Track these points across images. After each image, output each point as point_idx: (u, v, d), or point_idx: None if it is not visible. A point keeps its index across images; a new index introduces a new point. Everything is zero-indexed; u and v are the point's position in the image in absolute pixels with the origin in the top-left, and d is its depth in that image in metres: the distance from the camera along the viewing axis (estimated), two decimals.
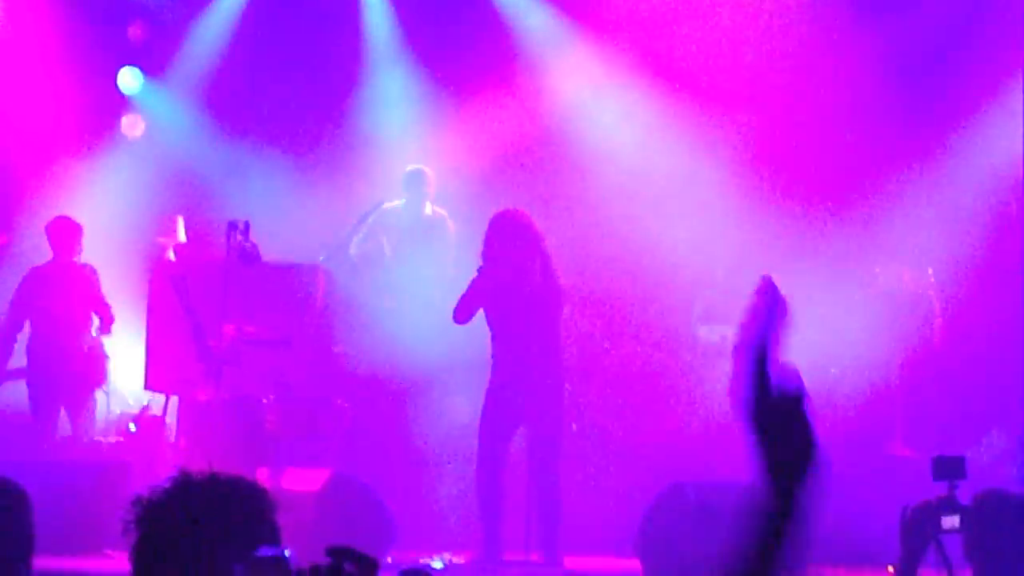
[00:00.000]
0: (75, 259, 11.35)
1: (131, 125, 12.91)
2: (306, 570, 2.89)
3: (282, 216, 11.71)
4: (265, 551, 2.79)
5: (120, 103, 12.98)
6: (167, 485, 2.93)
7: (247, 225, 9.28)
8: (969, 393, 11.66)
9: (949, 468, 6.51)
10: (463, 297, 9.79)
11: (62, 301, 11.23)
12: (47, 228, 11.39)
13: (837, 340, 11.46)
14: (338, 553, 2.90)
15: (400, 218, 12.28)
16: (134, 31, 12.94)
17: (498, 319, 9.80)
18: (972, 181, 11.98)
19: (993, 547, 5.54)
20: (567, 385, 10.16)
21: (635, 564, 9.55)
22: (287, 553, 2.74)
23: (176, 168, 12.71)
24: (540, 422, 9.67)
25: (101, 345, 11.44)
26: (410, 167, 12.34)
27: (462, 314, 9.81)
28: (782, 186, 12.24)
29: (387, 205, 12.09)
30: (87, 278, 11.34)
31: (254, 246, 9.28)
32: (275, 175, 12.47)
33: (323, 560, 2.89)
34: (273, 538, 2.93)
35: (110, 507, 9.65)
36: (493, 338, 9.89)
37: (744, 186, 12.14)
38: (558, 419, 9.83)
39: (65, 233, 11.33)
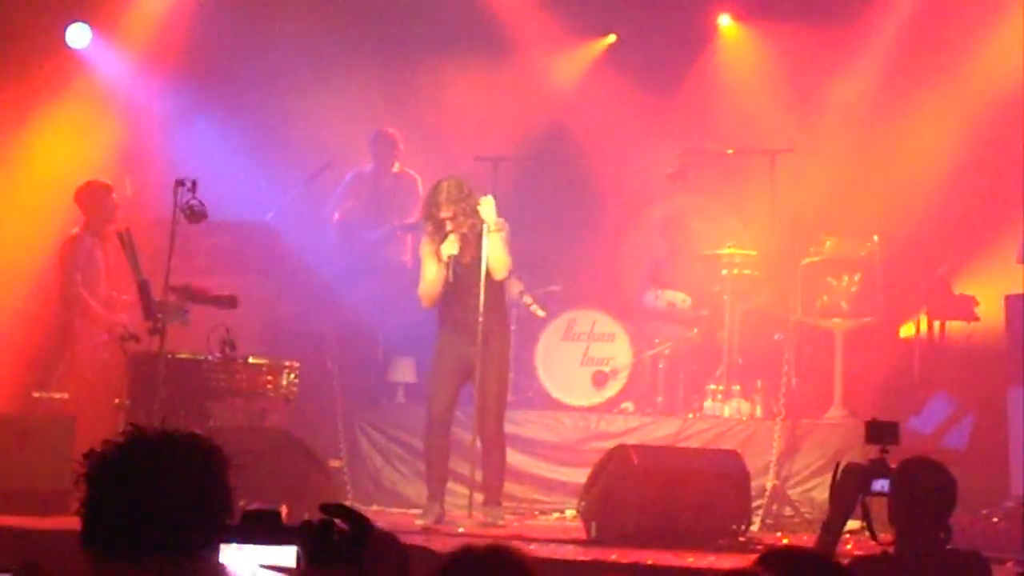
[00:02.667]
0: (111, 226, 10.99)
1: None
2: (298, 526, 2.91)
3: (230, 174, 11.64)
4: (257, 507, 2.81)
5: (69, 60, 12.86)
6: (119, 440, 2.93)
7: (194, 182, 9.23)
8: (912, 360, 11.77)
9: (882, 432, 6.59)
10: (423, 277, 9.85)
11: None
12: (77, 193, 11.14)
13: (782, 305, 11.56)
14: (330, 510, 2.92)
15: (368, 181, 12.39)
16: None
17: (450, 287, 9.80)
18: (918, 152, 12.07)
19: (915, 512, 5.61)
20: (511, 345, 10.17)
21: (579, 525, 9.64)
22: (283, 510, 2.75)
23: (123, 124, 12.61)
24: (485, 381, 9.69)
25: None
26: (378, 129, 12.42)
27: (429, 300, 9.89)
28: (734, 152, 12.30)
29: (356, 170, 12.23)
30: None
31: (201, 204, 9.23)
32: (224, 132, 12.41)
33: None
34: (224, 495, 2.93)
35: (56, 464, 9.61)
36: (441, 298, 9.89)
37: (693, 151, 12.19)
38: (503, 378, 9.87)
39: (94, 196, 11.10)
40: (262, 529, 2.91)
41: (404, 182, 12.37)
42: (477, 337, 9.65)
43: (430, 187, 9.95)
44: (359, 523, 2.90)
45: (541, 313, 11.91)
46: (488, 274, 9.71)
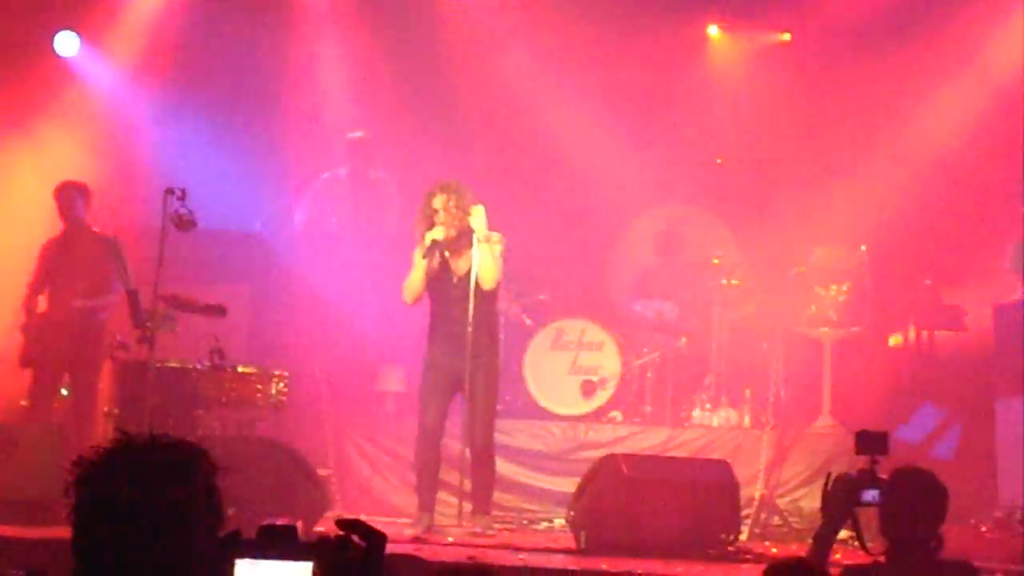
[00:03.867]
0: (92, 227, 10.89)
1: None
2: (314, 542, 2.91)
3: (219, 183, 11.64)
4: (275, 521, 2.81)
5: (57, 68, 12.85)
6: (108, 446, 2.92)
7: (184, 191, 9.22)
8: (901, 370, 11.80)
9: (872, 443, 6.59)
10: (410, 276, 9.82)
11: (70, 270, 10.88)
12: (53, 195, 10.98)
13: (770, 315, 11.58)
14: (347, 525, 2.92)
15: (343, 185, 12.34)
16: None
17: (435, 291, 9.81)
18: (907, 163, 12.09)
19: (905, 522, 5.62)
20: (500, 356, 10.15)
21: (568, 535, 9.63)
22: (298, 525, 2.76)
23: (112, 134, 12.60)
24: (475, 392, 9.69)
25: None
26: (351, 134, 12.37)
27: (411, 298, 9.84)
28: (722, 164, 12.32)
29: (329, 173, 12.14)
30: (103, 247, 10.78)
31: (191, 212, 9.22)
32: (213, 141, 12.39)
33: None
34: (213, 501, 2.93)
35: (45, 472, 9.59)
36: (431, 310, 9.89)
37: (682, 162, 12.22)
38: (492, 390, 9.83)
39: (67, 197, 10.95)
40: (278, 544, 2.91)
41: (380, 187, 12.31)
42: (467, 350, 9.63)
43: (424, 194, 9.89)
44: (375, 539, 2.90)
45: (528, 321, 11.92)
46: (478, 285, 9.69)
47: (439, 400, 9.82)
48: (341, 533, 2.90)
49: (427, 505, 9.82)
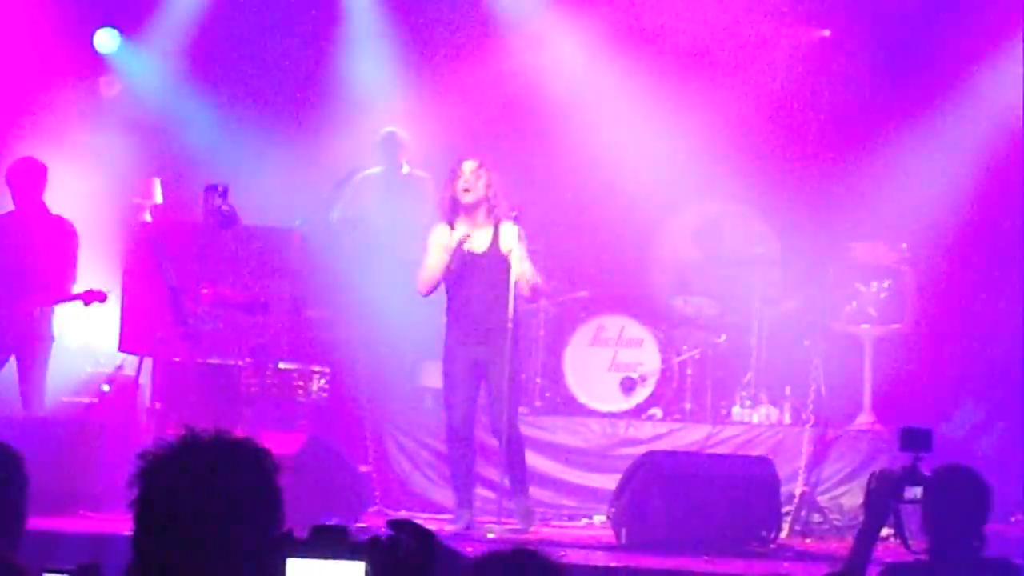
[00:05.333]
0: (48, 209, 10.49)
1: (108, 85, 12.84)
2: (366, 541, 2.92)
3: (261, 180, 11.67)
4: (328, 521, 2.83)
5: (97, 64, 12.91)
6: (173, 442, 2.94)
7: (226, 189, 9.27)
8: (942, 367, 11.75)
9: (916, 439, 6.56)
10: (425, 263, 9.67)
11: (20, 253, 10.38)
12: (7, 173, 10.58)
13: (811, 312, 11.56)
14: (397, 525, 2.93)
15: (378, 183, 12.32)
16: None
17: (453, 277, 9.64)
18: (948, 156, 12.01)
19: (949, 520, 5.61)
20: (522, 343, 9.91)
21: (608, 532, 9.64)
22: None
23: (154, 130, 12.64)
24: (495, 382, 9.48)
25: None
26: (384, 130, 12.36)
27: (427, 286, 9.72)
28: (762, 159, 12.29)
29: (365, 172, 12.12)
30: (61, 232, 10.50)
31: (232, 209, 9.28)
32: (254, 138, 12.42)
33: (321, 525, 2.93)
34: (275, 501, 2.94)
35: (85, 468, 9.65)
36: (447, 294, 9.73)
37: (723, 158, 12.19)
38: (513, 376, 9.54)
39: (24, 175, 10.49)
40: (330, 544, 2.93)
41: (414, 183, 12.27)
42: (484, 336, 9.47)
43: (451, 167, 9.74)
44: (426, 539, 2.91)
45: (551, 309, 11.90)
46: (497, 267, 9.46)
47: (464, 395, 9.65)
48: (392, 533, 2.91)
49: (465, 502, 9.73)
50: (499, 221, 9.58)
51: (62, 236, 10.32)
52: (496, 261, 9.54)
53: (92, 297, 9.92)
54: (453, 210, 9.61)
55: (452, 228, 9.57)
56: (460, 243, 9.48)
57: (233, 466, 2.90)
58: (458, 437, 9.71)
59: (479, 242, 9.59)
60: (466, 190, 9.52)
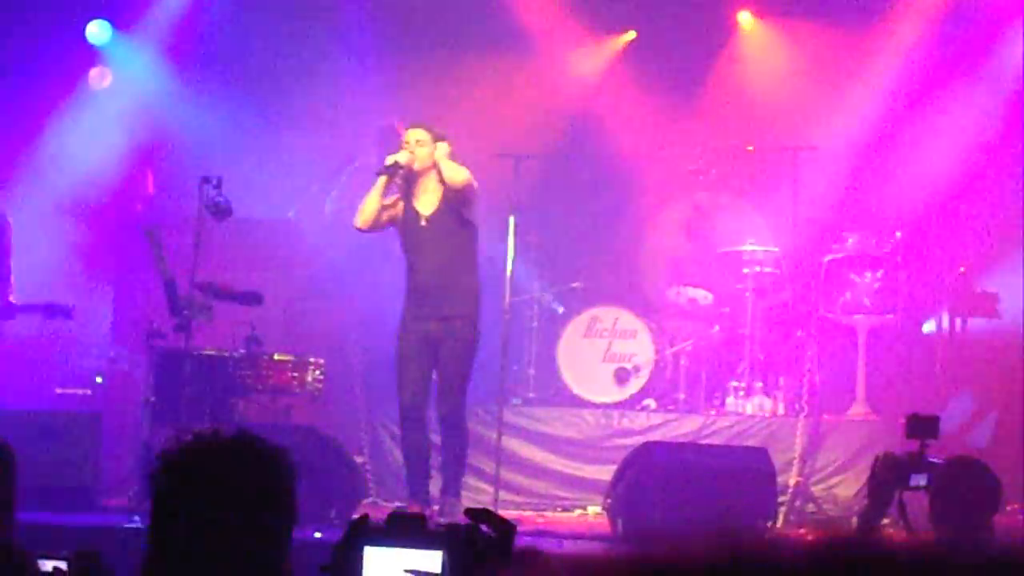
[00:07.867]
0: None
1: (99, 77, 12.79)
2: (444, 530, 2.91)
3: (255, 171, 11.65)
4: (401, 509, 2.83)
5: (89, 55, 12.86)
6: (191, 439, 2.93)
7: (220, 180, 9.24)
8: (934, 357, 11.76)
9: (922, 427, 6.57)
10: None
11: None
12: None
13: (804, 302, 11.56)
14: (476, 515, 2.92)
15: (372, 175, 12.27)
16: None
17: (403, 237, 9.38)
18: (947, 144, 12.03)
19: (957, 513, 5.61)
20: (479, 328, 9.44)
21: (603, 522, 9.64)
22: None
23: (148, 121, 12.61)
24: (443, 359, 9.19)
25: None
26: (381, 122, 12.32)
27: (361, 217, 9.30)
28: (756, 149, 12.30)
29: (358, 164, 12.10)
30: None
31: (227, 201, 9.25)
32: (247, 129, 12.39)
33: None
34: (290, 501, 2.93)
35: (79, 460, 9.64)
36: (406, 268, 9.44)
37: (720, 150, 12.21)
38: (465, 359, 9.23)
39: None
40: (407, 532, 2.91)
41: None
42: (436, 309, 9.13)
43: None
44: (504, 529, 2.90)
45: (560, 309, 11.93)
46: (447, 234, 9.19)
47: (415, 372, 9.21)
48: (471, 522, 2.89)
49: (418, 493, 9.35)
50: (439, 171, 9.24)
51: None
52: (445, 228, 9.23)
53: (55, 312, 9.88)
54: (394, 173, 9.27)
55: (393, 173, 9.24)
56: (394, 166, 9.16)
57: (251, 465, 2.88)
58: (408, 418, 9.29)
59: (426, 202, 9.30)
60: (410, 153, 9.22)
